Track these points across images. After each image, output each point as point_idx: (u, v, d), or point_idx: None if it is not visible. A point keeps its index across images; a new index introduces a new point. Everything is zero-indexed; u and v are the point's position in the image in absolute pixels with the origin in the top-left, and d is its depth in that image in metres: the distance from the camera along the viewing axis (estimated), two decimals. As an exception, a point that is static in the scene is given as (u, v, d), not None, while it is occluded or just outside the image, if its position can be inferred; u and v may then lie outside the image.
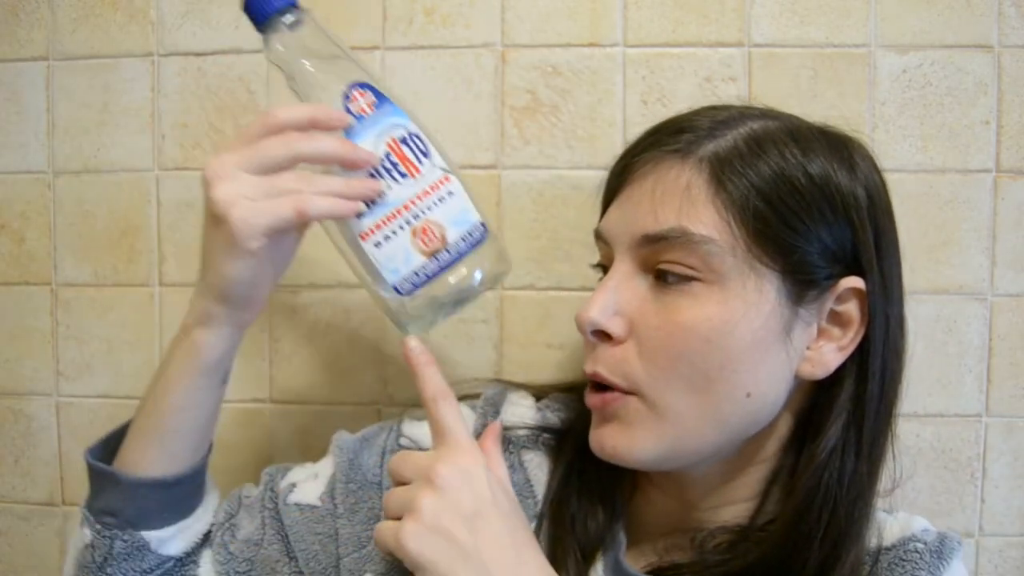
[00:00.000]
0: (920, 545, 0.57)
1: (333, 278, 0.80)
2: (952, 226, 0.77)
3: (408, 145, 0.56)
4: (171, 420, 0.58)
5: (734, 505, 0.59)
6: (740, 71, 0.77)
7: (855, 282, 0.55)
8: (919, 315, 0.77)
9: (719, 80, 0.77)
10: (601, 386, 0.57)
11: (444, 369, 0.79)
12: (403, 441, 0.66)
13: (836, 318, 0.55)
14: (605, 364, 0.56)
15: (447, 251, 0.56)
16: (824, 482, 0.55)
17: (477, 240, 0.57)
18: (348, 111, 0.55)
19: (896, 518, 0.60)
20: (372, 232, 0.55)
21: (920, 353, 0.77)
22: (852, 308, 0.55)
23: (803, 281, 0.54)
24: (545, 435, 0.65)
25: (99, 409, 0.83)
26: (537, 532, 0.60)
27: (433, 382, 0.55)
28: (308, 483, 0.65)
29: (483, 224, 0.57)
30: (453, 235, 0.56)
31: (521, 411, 0.66)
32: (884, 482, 0.59)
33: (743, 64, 0.77)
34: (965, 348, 0.77)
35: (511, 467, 0.62)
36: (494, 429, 0.59)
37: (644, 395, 0.55)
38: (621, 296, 0.56)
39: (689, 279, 0.53)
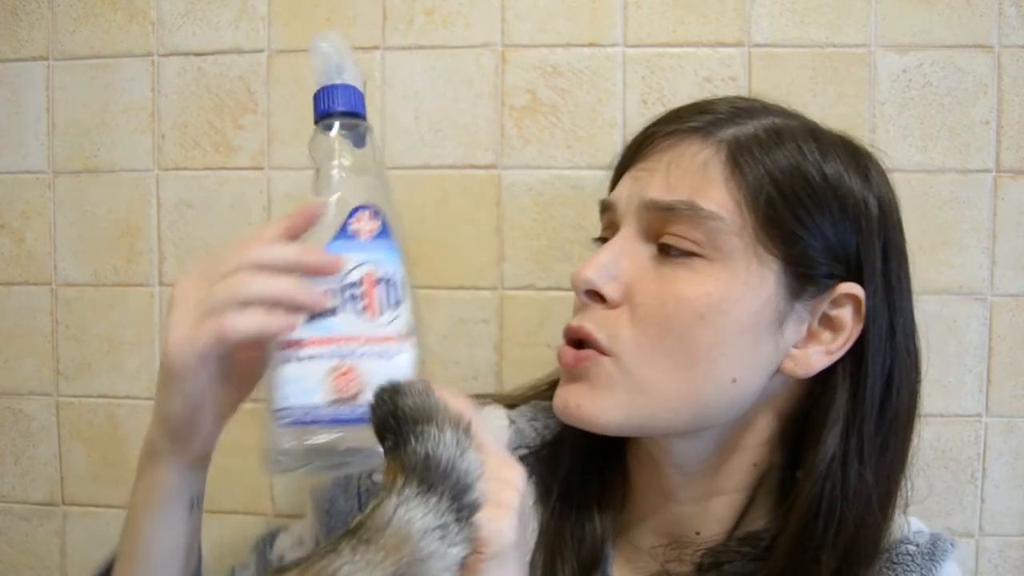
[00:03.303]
0: (912, 547, 0.57)
1: (333, 278, 0.80)
2: (952, 226, 0.77)
3: (383, 287, 0.50)
4: (145, 550, 0.55)
5: (719, 497, 0.59)
6: (740, 71, 0.77)
7: (853, 288, 0.55)
8: (919, 315, 0.77)
9: (719, 80, 0.77)
10: (578, 344, 0.56)
11: (444, 370, 0.80)
12: (376, 477, 0.64)
13: (828, 322, 0.55)
14: (592, 321, 0.55)
15: (353, 409, 0.48)
16: (827, 493, 0.54)
17: None
18: (347, 224, 0.50)
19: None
20: (295, 345, 0.48)
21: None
22: (846, 314, 0.55)
23: (803, 276, 0.54)
24: (521, 450, 0.63)
25: (99, 409, 0.83)
26: (532, 563, 0.59)
27: (456, 402, 0.47)
28: (295, 551, 0.65)
29: None
30: (367, 398, 0.46)
31: (493, 430, 0.65)
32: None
33: (743, 64, 0.77)
34: (965, 348, 0.77)
35: None
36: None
37: (623, 361, 0.54)
38: (621, 261, 0.56)
39: (692, 254, 0.54)
